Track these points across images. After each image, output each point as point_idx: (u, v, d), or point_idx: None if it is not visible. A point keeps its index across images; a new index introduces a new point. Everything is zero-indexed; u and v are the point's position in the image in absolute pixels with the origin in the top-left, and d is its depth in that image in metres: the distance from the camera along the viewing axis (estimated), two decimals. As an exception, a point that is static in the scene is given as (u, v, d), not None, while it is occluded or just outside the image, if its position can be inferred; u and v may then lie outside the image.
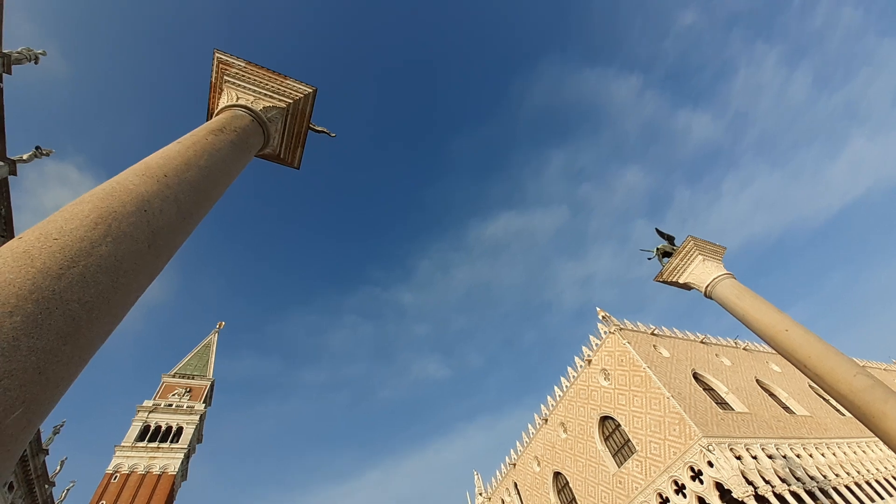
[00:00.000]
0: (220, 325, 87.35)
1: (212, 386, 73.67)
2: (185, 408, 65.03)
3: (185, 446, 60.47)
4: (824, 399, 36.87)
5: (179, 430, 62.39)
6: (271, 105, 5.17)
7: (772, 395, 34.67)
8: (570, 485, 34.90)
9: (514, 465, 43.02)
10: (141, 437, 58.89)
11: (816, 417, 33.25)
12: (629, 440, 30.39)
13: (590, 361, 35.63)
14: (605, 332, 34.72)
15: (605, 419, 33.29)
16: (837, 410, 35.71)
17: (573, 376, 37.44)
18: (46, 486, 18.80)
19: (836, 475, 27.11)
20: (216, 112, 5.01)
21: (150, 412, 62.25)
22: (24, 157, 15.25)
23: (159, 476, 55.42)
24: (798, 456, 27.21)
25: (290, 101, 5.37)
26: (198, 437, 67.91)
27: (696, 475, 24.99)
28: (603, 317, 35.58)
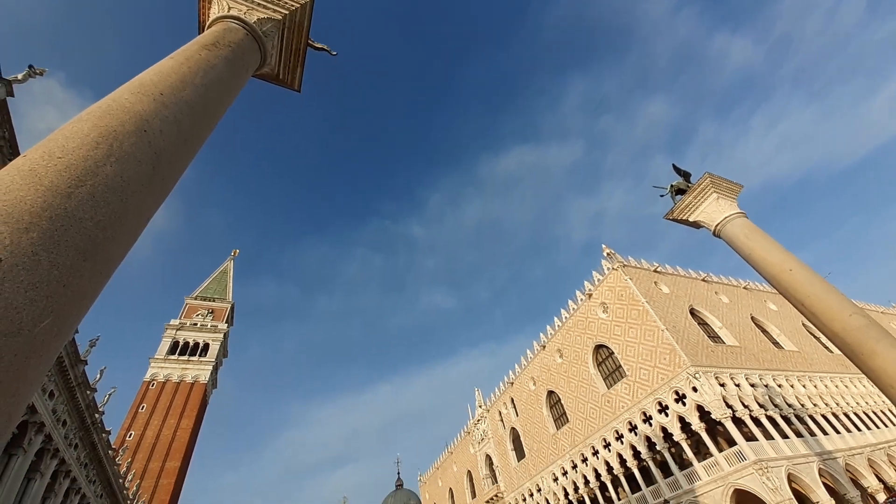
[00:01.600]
0: (234, 253, 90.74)
1: (232, 308, 78.62)
2: (209, 327, 70.26)
3: (213, 360, 66.41)
4: (815, 337, 38.28)
5: (206, 346, 68.02)
6: (266, 17, 4.75)
7: (764, 331, 36.03)
8: (562, 401, 38.25)
9: (512, 383, 46.80)
10: (172, 351, 64.47)
11: (804, 353, 34.85)
12: (620, 366, 32.51)
13: (590, 295, 36.76)
14: (608, 269, 35.30)
15: (599, 347, 35.31)
16: (826, 348, 37.27)
17: (573, 308, 38.94)
18: (88, 392, 21.07)
19: (815, 405, 29.18)
20: (208, 24, 4.64)
21: (178, 330, 67.35)
22: (19, 76, 14.56)
23: (192, 384, 61.71)
24: (780, 386, 29.08)
25: (286, 13, 4.92)
26: (223, 352, 74.28)
27: (680, 398, 27.09)
28: (608, 254, 35.90)
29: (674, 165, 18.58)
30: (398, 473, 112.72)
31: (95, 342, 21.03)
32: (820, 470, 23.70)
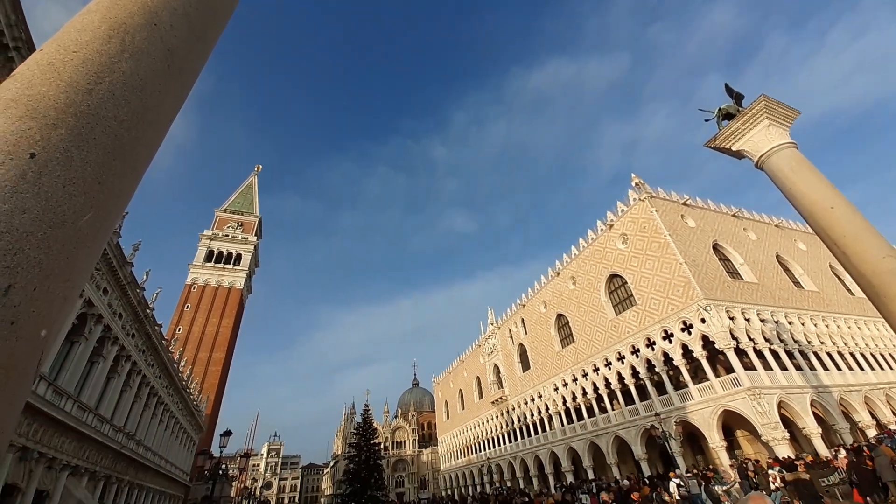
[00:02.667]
0: (257, 169, 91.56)
1: (259, 222, 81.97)
2: (239, 238, 74.36)
3: (245, 269, 71.41)
4: (840, 279, 37.41)
5: (238, 256, 72.71)
6: None
7: (787, 270, 35.33)
8: (570, 324, 40.20)
9: (524, 305, 49.00)
10: (208, 259, 69.31)
11: (824, 294, 34.43)
12: (632, 295, 33.20)
13: (611, 226, 36.14)
14: (634, 200, 34.07)
15: (613, 276, 35.77)
16: (849, 290, 36.59)
17: (592, 238, 38.70)
18: (137, 291, 23.32)
19: (822, 343, 29.65)
20: None
21: (211, 240, 71.59)
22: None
23: (229, 290, 67.30)
24: (790, 323, 29.39)
25: None
26: (255, 262, 79.42)
27: (687, 328, 27.95)
28: (636, 184, 34.33)
29: (726, 85, 16.65)
30: (414, 374, 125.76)
31: (138, 246, 22.66)
32: (812, 401, 24.98)
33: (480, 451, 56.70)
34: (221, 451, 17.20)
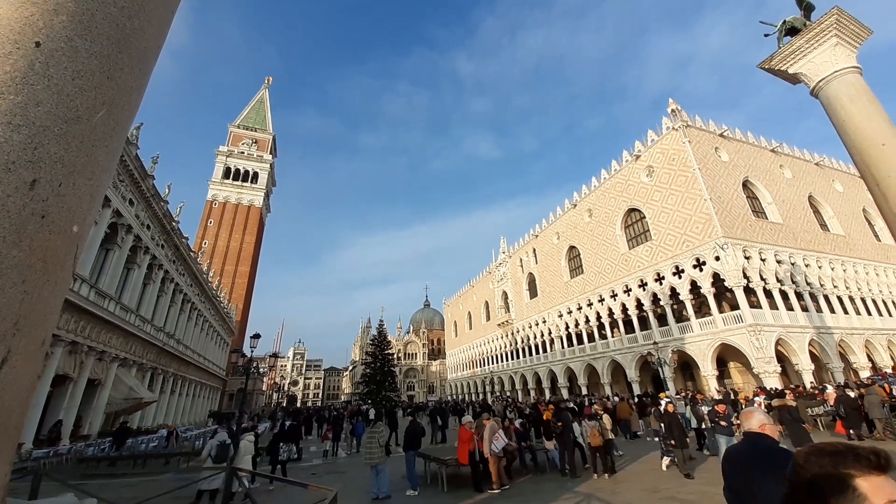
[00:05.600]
0: (267, 81, 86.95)
1: (273, 140, 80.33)
2: (255, 156, 73.71)
3: (263, 187, 71.93)
4: (870, 224, 35.78)
5: (255, 174, 72.80)
6: None
7: (817, 211, 33.79)
8: (581, 256, 40.52)
9: (537, 236, 49.08)
10: (226, 176, 69.73)
11: (850, 238, 33.25)
12: (648, 230, 32.72)
13: (637, 157, 34.26)
14: (667, 128, 31.70)
15: (631, 210, 34.93)
16: (876, 236, 35.19)
17: (615, 169, 37.02)
18: (162, 203, 23.95)
19: (835, 287, 29.43)
20: None
21: (228, 157, 71.24)
22: None
23: (248, 207, 68.68)
24: (807, 266, 28.95)
25: None
26: (272, 181, 79.70)
27: (699, 265, 27.90)
28: (672, 110, 31.64)
29: (797, -9, 14.35)
30: (426, 296, 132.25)
31: (157, 159, 22.74)
32: (811, 340, 25.64)
33: (485, 365, 61.62)
34: (252, 351, 19.11)
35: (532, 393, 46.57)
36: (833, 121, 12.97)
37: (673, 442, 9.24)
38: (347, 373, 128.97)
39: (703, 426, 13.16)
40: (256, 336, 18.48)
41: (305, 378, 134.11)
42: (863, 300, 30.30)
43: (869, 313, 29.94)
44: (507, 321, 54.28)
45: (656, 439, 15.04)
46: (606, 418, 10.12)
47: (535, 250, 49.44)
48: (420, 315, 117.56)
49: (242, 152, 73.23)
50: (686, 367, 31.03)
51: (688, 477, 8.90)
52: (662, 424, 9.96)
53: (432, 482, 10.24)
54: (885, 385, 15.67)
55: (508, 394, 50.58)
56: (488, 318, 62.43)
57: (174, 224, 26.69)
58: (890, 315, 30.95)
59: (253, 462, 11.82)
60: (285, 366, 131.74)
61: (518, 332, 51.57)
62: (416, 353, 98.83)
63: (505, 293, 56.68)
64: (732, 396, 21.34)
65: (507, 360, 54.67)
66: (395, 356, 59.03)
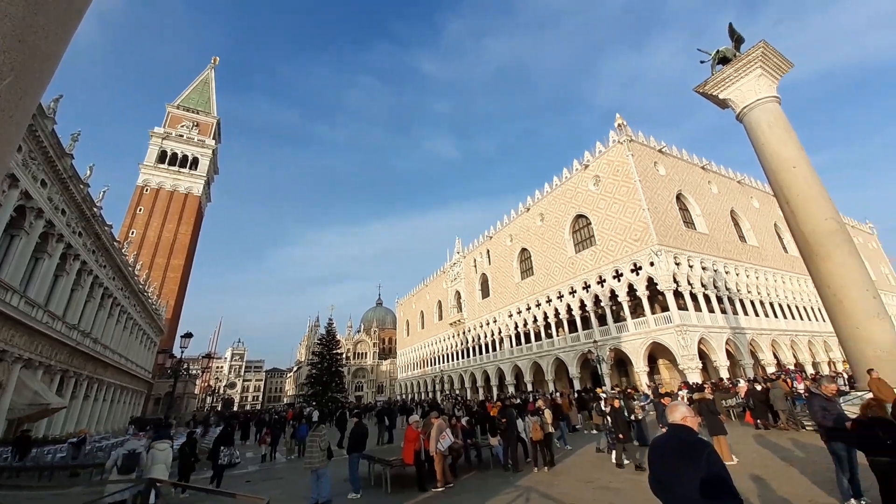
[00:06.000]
0: (214, 61, 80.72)
1: (218, 125, 74.60)
2: (195, 140, 67.89)
3: (203, 174, 66.47)
4: (780, 237, 40.64)
5: (195, 160, 67.07)
6: None
7: (737, 224, 37.76)
8: (532, 258, 42.03)
9: (491, 237, 50.16)
10: (161, 160, 63.59)
11: (762, 249, 37.53)
12: (593, 236, 34.68)
13: (586, 166, 36.17)
14: (613, 141, 33.78)
15: (579, 216, 36.83)
16: (784, 248, 40.04)
17: (566, 177, 38.81)
18: (81, 186, 21.30)
19: (749, 292, 33.05)
20: None
21: (164, 139, 65.02)
22: None
23: (186, 195, 63.15)
24: (727, 272, 32.24)
25: None
26: (214, 168, 73.86)
27: (636, 269, 30.05)
28: (619, 125, 33.77)
29: (730, 25, 15.91)
30: (379, 295, 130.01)
31: (77, 136, 20.18)
32: (728, 339, 28.60)
33: (435, 364, 61.87)
34: (182, 352, 17.59)
35: (481, 391, 47.49)
36: (753, 144, 14.50)
37: (621, 436, 9.78)
38: (291, 374, 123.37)
39: (634, 419, 14.12)
40: (188, 335, 17.04)
41: (244, 380, 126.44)
42: (771, 304, 34.30)
43: (776, 316, 33.95)
44: (459, 320, 54.90)
45: (594, 432, 15.98)
46: (548, 413, 10.53)
47: (488, 251, 50.48)
48: (372, 314, 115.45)
49: (181, 135, 67.24)
50: (621, 363, 33.27)
51: (639, 468, 9.39)
52: (608, 419, 10.51)
53: (376, 484, 10.04)
54: (788, 380, 17.81)
55: (458, 392, 51.14)
56: (441, 318, 62.76)
57: (95, 210, 23.88)
58: (793, 318, 35.31)
59: (183, 471, 10.93)
60: (222, 367, 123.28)
61: (469, 331, 52.36)
62: (366, 353, 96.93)
63: (458, 293, 57.29)
64: (659, 391, 23.36)
65: (457, 358, 55.30)
66: (344, 356, 57.42)
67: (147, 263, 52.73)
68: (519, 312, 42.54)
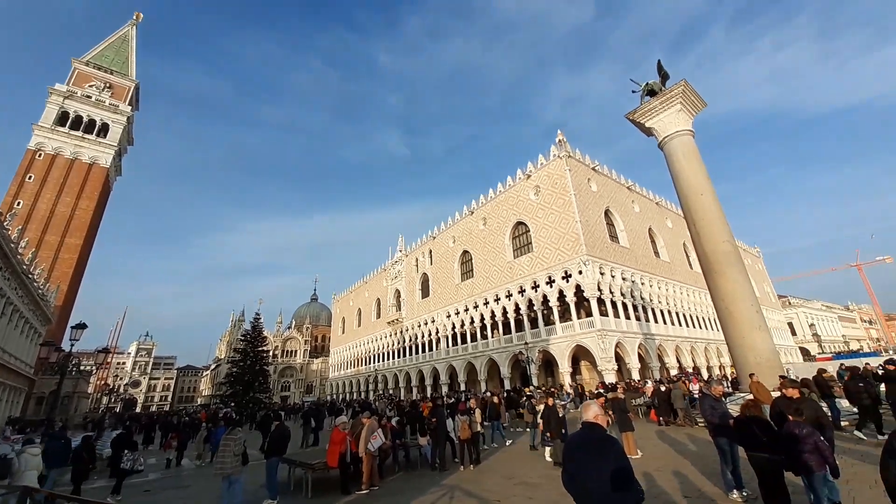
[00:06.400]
0: (137, 17, 71.30)
1: (137, 89, 65.91)
2: (107, 104, 59.12)
3: (114, 143, 58.18)
4: (687, 255, 45.98)
5: (105, 126, 58.43)
6: None
7: (653, 241, 42.02)
8: (473, 261, 42.99)
9: (434, 238, 50.40)
10: (61, 123, 54.51)
11: (673, 265, 42.17)
12: (531, 243, 36.40)
13: (529, 176, 37.89)
14: (553, 155, 35.78)
15: (519, 223, 38.45)
16: (690, 265, 45.37)
17: (509, 185, 40.30)
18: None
19: (659, 302, 36.89)
20: None
21: (66, 98, 55.84)
22: None
23: (90, 165, 54.81)
24: (643, 284, 35.70)
25: None
26: (128, 138, 64.97)
27: (566, 276, 32.11)
28: (559, 140, 35.84)
29: (659, 62, 17.55)
30: (315, 289, 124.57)
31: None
32: (640, 344, 31.65)
33: (370, 363, 60.61)
34: (72, 345, 15.20)
35: (415, 391, 47.44)
36: (670, 171, 16.13)
37: (550, 434, 10.21)
38: (209, 372, 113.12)
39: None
40: (80, 326, 14.77)
41: (151, 378, 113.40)
42: (677, 314, 38.61)
43: (680, 324, 38.27)
44: (397, 319, 54.36)
45: (528, 430, 16.68)
46: (478, 413, 10.77)
47: (431, 251, 50.65)
48: (305, 309, 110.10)
49: (89, 97, 58.33)
50: (548, 364, 35.29)
51: (557, 464, 9.86)
52: (541, 418, 10.92)
53: (296, 489, 9.50)
54: (686, 381, 20.12)
55: (391, 392, 50.57)
56: (379, 316, 61.66)
57: (-37, 171, 19.82)
58: (694, 327, 40.06)
59: (77, 477, 9.66)
60: (125, 363, 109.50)
61: (407, 330, 52.08)
62: (296, 351, 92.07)
63: (398, 291, 56.73)
64: (580, 390, 25.16)
65: (393, 358, 54.70)
66: (271, 353, 53.99)
67: (35, 241, 45.11)
68: (457, 313, 43.21)
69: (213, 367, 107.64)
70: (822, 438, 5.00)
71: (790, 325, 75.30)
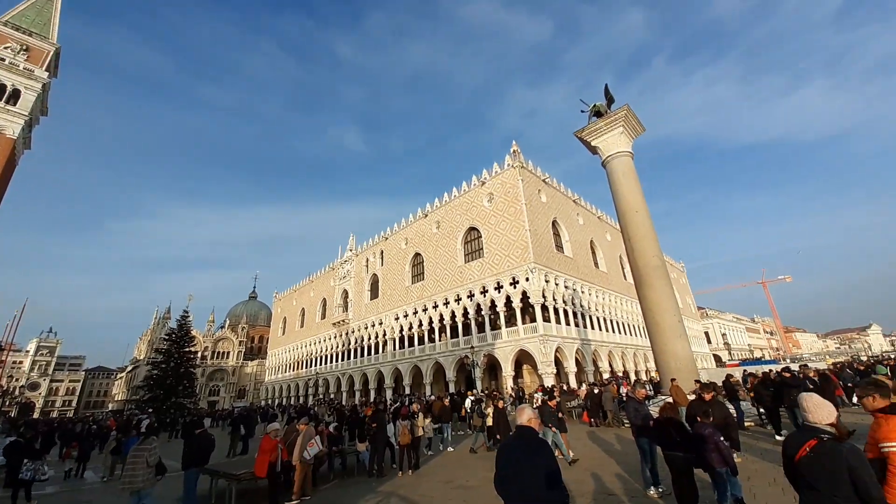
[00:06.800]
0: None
1: (57, 55, 57.71)
2: (20, 68, 51.11)
3: (25, 112, 49.94)
4: (622, 266, 49.53)
5: (17, 92, 50.10)
6: None
7: (594, 252, 44.76)
8: (424, 263, 42.92)
9: (387, 238, 49.65)
10: (-57, 76, 46.28)
11: (609, 275, 45.18)
12: (482, 248, 37.14)
13: (483, 183, 38.70)
14: (508, 165, 36.90)
15: (472, 229, 39.09)
16: (625, 276, 48.90)
17: (464, 190, 40.87)
18: None
19: (597, 310, 39.29)
20: None
21: (-48, 47, 47.53)
22: None
23: (-14, 132, 47.08)
24: (583, 292, 37.83)
25: None
26: (41, 108, 56.60)
27: (514, 283, 33.14)
28: (514, 151, 37.04)
29: (606, 86, 18.74)
30: (254, 287, 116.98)
31: None
32: (577, 349, 33.44)
33: (312, 366, 58.08)
34: (-54, 341, 12.81)
35: (358, 394, 46.18)
36: (611, 188, 17.23)
37: (500, 436, 10.32)
38: (124, 374, 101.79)
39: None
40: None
41: (53, 380, 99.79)
42: (611, 321, 41.34)
43: (614, 331, 41.00)
44: (343, 320, 52.69)
45: (472, 433, 16.79)
46: (421, 418, 10.68)
47: (382, 252, 49.82)
48: (242, 308, 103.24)
49: (3, 59, 50.31)
50: (493, 368, 36.09)
51: None
52: (492, 421, 11.02)
53: (218, 502, 8.76)
54: (616, 385, 21.54)
55: (333, 396, 48.83)
56: (324, 317, 59.38)
57: None
58: (626, 334, 43.11)
59: None
60: (22, 363, 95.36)
61: (353, 332, 50.66)
62: (229, 352, 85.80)
63: (346, 291, 55.07)
64: (522, 393, 25.99)
65: (337, 360, 52.89)
66: (200, 355, 49.93)
67: None
68: (406, 316, 42.82)
69: (129, 368, 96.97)
70: (721, 439, 5.55)
71: (706, 334, 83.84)
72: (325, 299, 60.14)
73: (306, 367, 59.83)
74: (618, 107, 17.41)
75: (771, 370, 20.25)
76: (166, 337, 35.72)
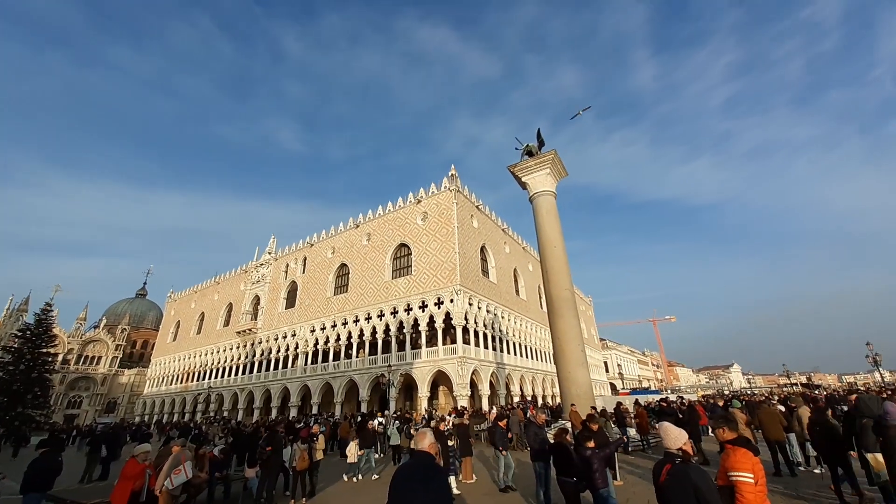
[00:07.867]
0: None
1: None
2: None
3: None
4: (540, 296, 52.98)
5: None
6: None
7: (516, 280, 47.30)
8: (350, 275, 41.43)
9: (312, 245, 47.11)
10: None
11: (528, 303, 47.94)
12: (411, 265, 37.06)
13: (419, 202, 39.07)
14: (445, 187, 37.84)
15: (402, 245, 38.92)
16: (541, 305, 52.27)
17: (399, 205, 40.79)
18: None
19: (514, 335, 41.19)
20: None
21: None
22: None
23: None
24: (503, 317, 39.48)
25: None
26: None
27: (438, 303, 33.45)
28: (451, 174, 38.17)
29: (538, 130, 20.39)
30: (145, 283, 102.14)
31: None
32: (493, 372, 34.49)
33: (204, 378, 51.69)
34: None
35: (257, 412, 42.00)
36: (535, 222, 18.49)
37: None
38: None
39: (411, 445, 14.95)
40: None
41: None
42: (526, 347, 43.56)
43: (527, 356, 43.19)
44: (250, 329, 48.12)
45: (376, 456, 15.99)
46: (322, 440, 9.97)
47: (305, 259, 47.07)
48: (127, 306, 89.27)
49: None
50: (408, 388, 35.52)
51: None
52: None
53: (53, 542, 7.15)
54: (523, 409, 22.50)
55: (227, 413, 43.84)
56: (227, 324, 53.68)
57: None
58: (538, 360, 45.63)
59: None
60: None
61: (260, 342, 46.46)
62: (100, 357, 72.82)
63: (258, 297, 50.63)
64: (430, 416, 25.74)
65: (237, 374, 47.81)
66: (62, 357, 41.91)
67: None
68: (323, 329, 40.56)
69: (-45, 370, 76.96)
70: (602, 461, 6.02)
71: (605, 363, 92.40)
72: (231, 304, 54.60)
73: (198, 380, 53.08)
74: (547, 150, 19.02)
75: (659, 400, 22.77)
76: (19, 333, 29.30)
